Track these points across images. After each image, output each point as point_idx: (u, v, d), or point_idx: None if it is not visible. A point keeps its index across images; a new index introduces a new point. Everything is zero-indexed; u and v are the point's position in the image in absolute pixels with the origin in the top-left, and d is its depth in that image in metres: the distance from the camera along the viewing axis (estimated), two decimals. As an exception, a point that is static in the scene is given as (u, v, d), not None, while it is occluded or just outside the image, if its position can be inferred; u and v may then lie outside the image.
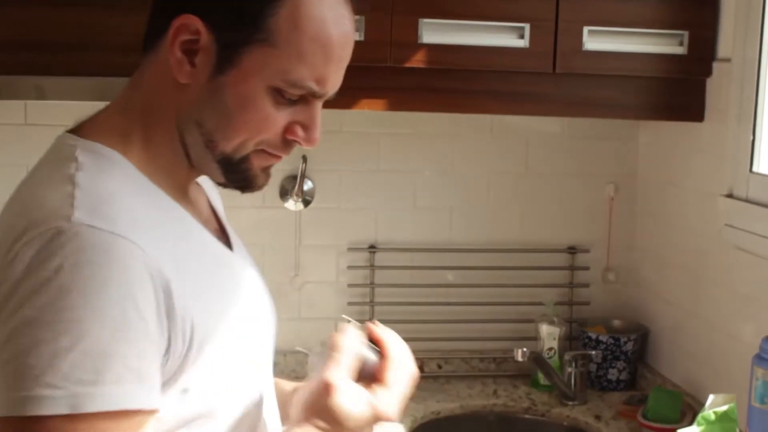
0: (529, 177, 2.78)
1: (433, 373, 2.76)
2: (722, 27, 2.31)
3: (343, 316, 1.36)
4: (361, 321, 2.75)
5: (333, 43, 1.14)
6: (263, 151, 1.18)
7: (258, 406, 1.26)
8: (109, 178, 1.09)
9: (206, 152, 1.16)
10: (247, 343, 1.23)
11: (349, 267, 2.72)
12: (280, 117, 1.15)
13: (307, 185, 2.66)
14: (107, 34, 2.05)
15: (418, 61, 2.21)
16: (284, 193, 2.66)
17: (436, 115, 2.61)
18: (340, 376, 1.17)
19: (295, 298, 2.71)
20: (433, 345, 2.77)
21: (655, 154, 2.71)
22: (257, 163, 1.19)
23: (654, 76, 2.35)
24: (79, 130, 1.16)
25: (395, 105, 2.29)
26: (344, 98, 2.21)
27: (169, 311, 1.04)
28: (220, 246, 1.24)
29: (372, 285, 2.73)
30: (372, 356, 1.24)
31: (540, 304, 2.73)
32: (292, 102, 1.15)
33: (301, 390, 1.24)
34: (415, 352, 2.69)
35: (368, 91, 2.25)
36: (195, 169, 1.22)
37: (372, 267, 2.72)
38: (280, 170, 2.66)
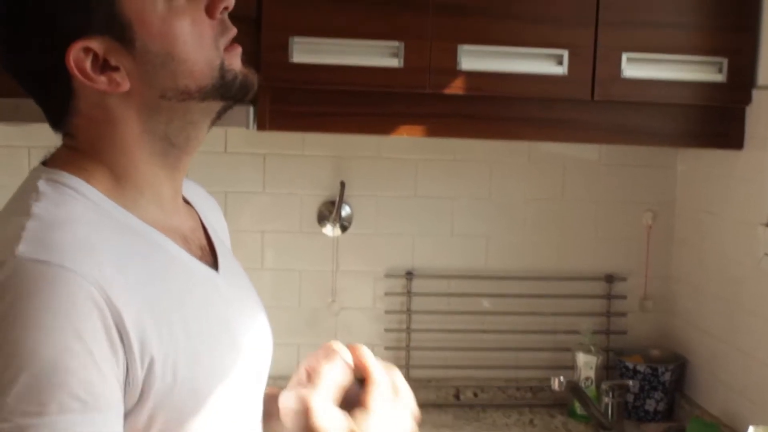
0: (566, 204, 2.77)
1: (469, 402, 2.75)
2: (762, 54, 2.31)
3: (333, 342, 1.32)
4: (395, 348, 2.76)
5: None
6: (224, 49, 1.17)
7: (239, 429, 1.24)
8: (67, 207, 1.10)
9: (187, 106, 1.16)
10: (228, 366, 1.20)
11: (386, 293, 2.73)
12: (195, 10, 1.14)
13: (345, 211, 2.68)
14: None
15: (456, 87, 2.22)
16: (322, 219, 2.67)
17: (473, 141, 2.62)
18: (319, 398, 1.14)
19: (331, 323, 2.72)
20: (470, 373, 2.76)
21: (693, 182, 2.70)
22: (235, 63, 1.18)
23: (693, 104, 2.34)
24: (49, 161, 1.18)
25: (434, 131, 2.30)
26: (383, 124, 2.27)
27: (123, 339, 1.03)
28: (201, 267, 1.22)
29: (409, 312, 2.73)
30: (355, 381, 1.19)
31: (576, 332, 2.71)
32: None
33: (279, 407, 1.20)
34: (451, 379, 2.73)
35: (407, 118, 2.26)
36: (185, 152, 1.21)
37: (409, 293, 2.73)
38: (318, 195, 2.68)
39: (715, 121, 2.37)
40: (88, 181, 1.14)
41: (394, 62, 2.19)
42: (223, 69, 1.16)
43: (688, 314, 2.70)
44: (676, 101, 2.33)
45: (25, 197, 1.11)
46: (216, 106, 1.19)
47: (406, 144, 2.67)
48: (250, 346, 1.27)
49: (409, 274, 2.73)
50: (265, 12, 2.16)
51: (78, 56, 1.10)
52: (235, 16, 2.22)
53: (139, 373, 1.05)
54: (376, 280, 2.74)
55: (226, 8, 1.17)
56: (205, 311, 1.18)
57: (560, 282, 2.77)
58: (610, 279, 2.79)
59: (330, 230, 2.68)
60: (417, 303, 2.74)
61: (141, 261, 1.11)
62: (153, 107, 1.15)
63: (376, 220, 2.72)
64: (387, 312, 2.74)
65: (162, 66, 1.13)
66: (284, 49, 2.17)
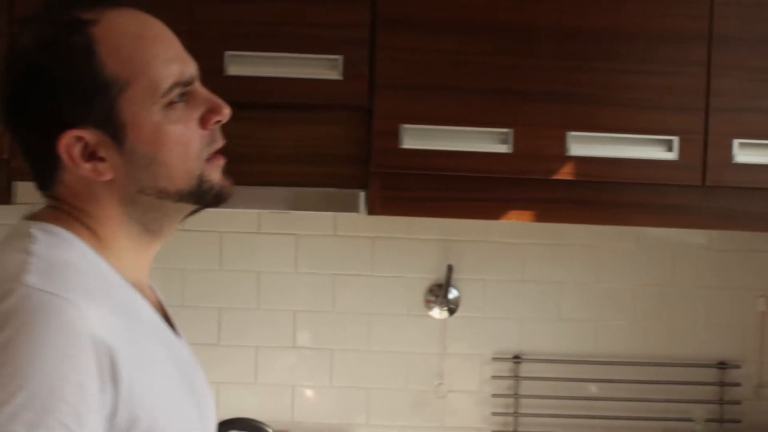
0: (676, 289, 2.74)
1: (577, 488, 2.71)
2: None
3: None
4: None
5: (151, 39, 1.20)
6: (207, 159, 1.24)
7: None
8: (63, 252, 1.15)
9: (163, 203, 1.23)
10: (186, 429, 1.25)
11: (493, 377, 2.72)
12: (189, 120, 1.21)
13: (452, 294, 2.69)
14: (266, 146, 2.17)
15: (566, 173, 2.24)
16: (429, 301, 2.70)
17: (581, 225, 2.62)
18: None
19: (438, 406, 2.72)
20: (578, 459, 2.73)
21: (808, 268, 2.65)
22: (213, 175, 1.24)
23: (806, 189, 2.31)
24: (34, 218, 1.23)
25: (543, 216, 2.31)
26: (493, 209, 2.30)
27: (114, 378, 1.08)
28: (168, 331, 1.28)
29: (516, 396, 2.71)
30: None
31: (688, 420, 2.66)
32: (184, 101, 1.21)
33: None
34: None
35: (516, 203, 2.28)
36: (158, 237, 1.27)
37: (516, 377, 2.71)
38: (425, 279, 2.70)
39: (830, 207, 2.33)
40: (77, 235, 1.20)
41: (503, 148, 2.22)
42: (201, 179, 1.23)
43: (805, 403, 2.63)
44: (789, 186, 2.30)
45: (18, 241, 1.16)
46: (190, 207, 1.27)
47: (514, 228, 2.68)
48: (202, 416, 1.32)
49: (517, 358, 2.72)
50: (377, 102, 2.22)
51: (69, 142, 1.17)
52: (349, 106, 2.30)
53: (125, 415, 1.09)
54: (483, 364, 2.73)
55: (218, 121, 1.24)
56: (178, 375, 1.24)
57: (671, 368, 2.73)
58: (723, 365, 2.73)
59: (437, 313, 2.70)
60: (524, 387, 2.72)
61: (126, 313, 1.18)
62: (132, 198, 1.22)
63: (483, 303, 2.73)
64: (494, 395, 2.73)
65: (145, 167, 1.20)
66: (394, 135, 2.22)
